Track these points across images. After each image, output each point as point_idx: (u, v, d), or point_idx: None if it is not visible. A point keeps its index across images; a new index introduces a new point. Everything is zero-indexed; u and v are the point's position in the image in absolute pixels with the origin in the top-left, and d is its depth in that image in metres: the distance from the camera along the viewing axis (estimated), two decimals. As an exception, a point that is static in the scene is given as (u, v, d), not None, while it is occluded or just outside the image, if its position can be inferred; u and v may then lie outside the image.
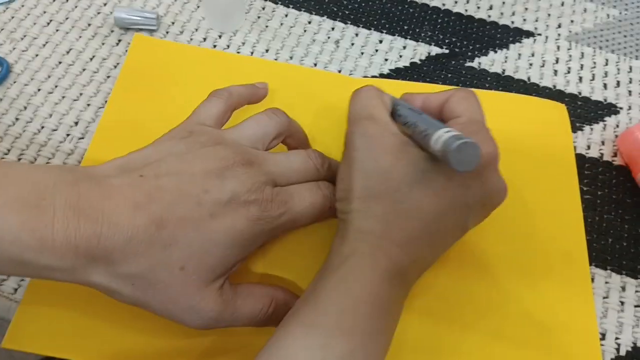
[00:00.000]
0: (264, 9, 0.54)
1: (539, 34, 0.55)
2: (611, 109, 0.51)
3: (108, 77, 0.48)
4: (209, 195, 0.31)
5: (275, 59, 0.50)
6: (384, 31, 0.54)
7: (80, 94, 0.47)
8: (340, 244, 0.32)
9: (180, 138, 0.34)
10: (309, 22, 0.54)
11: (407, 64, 0.52)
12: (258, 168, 0.33)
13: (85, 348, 0.35)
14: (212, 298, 0.31)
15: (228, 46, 0.51)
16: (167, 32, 0.51)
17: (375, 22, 0.54)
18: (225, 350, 0.36)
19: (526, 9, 0.57)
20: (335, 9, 0.55)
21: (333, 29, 0.53)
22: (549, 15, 0.57)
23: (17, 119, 0.45)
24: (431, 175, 0.32)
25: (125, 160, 0.32)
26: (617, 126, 0.49)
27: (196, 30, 0.52)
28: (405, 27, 0.54)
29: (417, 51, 0.53)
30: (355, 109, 0.35)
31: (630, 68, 0.53)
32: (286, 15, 0.54)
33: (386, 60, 0.52)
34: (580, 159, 0.47)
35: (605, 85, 0.52)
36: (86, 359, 0.35)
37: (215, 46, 0.51)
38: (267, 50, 0.51)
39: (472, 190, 0.32)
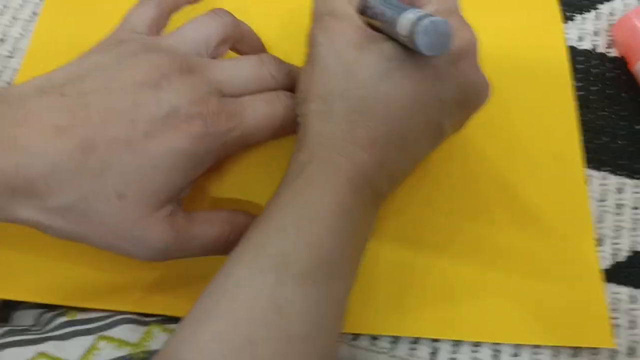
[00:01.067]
0: None
1: None
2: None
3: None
4: (143, 110, 0.27)
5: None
6: None
7: (4, 7, 0.42)
8: (299, 151, 0.28)
9: (108, 49, 0.29)
10: None
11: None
12: (200, 76, 0.29)
13: (32, 287, 0.32)
14: (159, 227, 0.28)
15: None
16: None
17: None
18: (182, 281, 0.33)
19: None
20: None
21: None
22: None
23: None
24: (399, 70, 0.28)
25: (45, 79, 0.28)
26: (612, 14, 0.45)
27: None
28: None
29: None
30: (318, 4, 0.31)
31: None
32: None
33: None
34: (572, 51, 0.42)
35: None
36: (33, 298, 0.32)
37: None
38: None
39: (446, 85, 0.29)
